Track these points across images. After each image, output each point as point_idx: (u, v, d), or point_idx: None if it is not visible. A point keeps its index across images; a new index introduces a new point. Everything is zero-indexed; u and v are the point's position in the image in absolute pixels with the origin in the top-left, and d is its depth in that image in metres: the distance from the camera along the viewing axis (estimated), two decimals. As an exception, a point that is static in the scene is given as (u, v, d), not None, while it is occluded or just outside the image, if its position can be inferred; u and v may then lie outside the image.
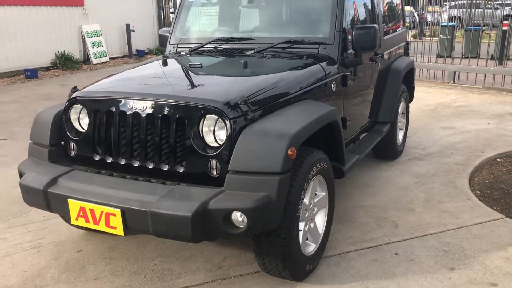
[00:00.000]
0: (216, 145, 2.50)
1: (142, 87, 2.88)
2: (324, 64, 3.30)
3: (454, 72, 9.36)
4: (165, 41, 4.12)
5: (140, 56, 14.77)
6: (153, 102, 2.60)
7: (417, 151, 5.28)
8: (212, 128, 2.50)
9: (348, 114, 3.63)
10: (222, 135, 2.48)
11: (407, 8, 17.25)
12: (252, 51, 3.49)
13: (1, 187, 4.36)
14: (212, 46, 3.75)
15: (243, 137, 2.41)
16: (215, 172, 2.48)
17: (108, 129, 2.74)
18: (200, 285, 2.79)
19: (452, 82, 9.35)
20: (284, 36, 3.57)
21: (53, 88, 9.61)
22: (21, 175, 2.86)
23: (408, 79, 5.06)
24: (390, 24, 4.76)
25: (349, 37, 3.52)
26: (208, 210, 2.26)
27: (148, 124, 2.61)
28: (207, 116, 2.49)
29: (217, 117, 2.47)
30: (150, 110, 2.59)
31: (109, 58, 13.69)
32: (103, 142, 2.77)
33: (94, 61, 13.05)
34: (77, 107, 2.88)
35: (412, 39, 13.61)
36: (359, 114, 4.08)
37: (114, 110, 2.70)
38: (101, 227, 2.46)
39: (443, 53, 11.12)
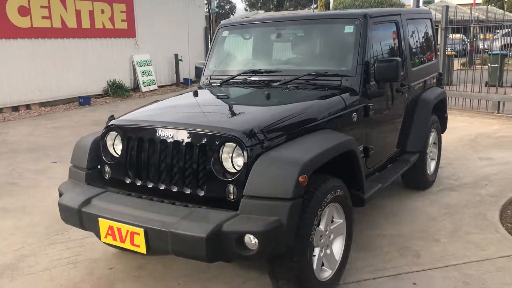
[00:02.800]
0: (234, 171, 2.67)
1: (170, 117, 3.12)
2: (345, 95, 3.42)
3: (499, 102, 9.13)
4: (200, 73, 4.39)
5: (187, 84, 15.38)
6: (178, 131, 2.82)
7: (450, 181, 5.22)
8: (230, 155, 2.67)
9: (371, 144, 3.71)
10: (239, 161, 2.65)
11: (457, 36, 17.01)
12: (278, 83, 3.67)
13: (48, 206, 4.72)
14: (242, 78, 3.97)
15: (258, 163, 2.57)
16: (232, 197, 2.64)
17: (139, 155, 2.98)
18: (218, 305, 2.93)
19: (496, 112, 9.12)
20: (309, 68, 3.74)
21: (103, 115, 10.18)
22: (60, 195, 3.15)
23: (440, 109, 5.07)
24: (420, 56, 4.81)
25: (372, 69, 3.64)
26: (222, 232, 2.42)
27: (173, 151, 2.82)
28: (226, 144, 2.68)
29: (235, 145, 2.65)
30: (175, 138, 2.81)
31: (158, 86, 14.37)
32: (134, 166, 3.00)
33: (144, 89, 13.74)
34: (113, 134, 3.15)
35: (461, 67, 13.42)
36: (385, 143, 4.14)
37: (144, 137, 2.94)
38: (127, 245, 2.67)
39: (493, 82, 10.79)
